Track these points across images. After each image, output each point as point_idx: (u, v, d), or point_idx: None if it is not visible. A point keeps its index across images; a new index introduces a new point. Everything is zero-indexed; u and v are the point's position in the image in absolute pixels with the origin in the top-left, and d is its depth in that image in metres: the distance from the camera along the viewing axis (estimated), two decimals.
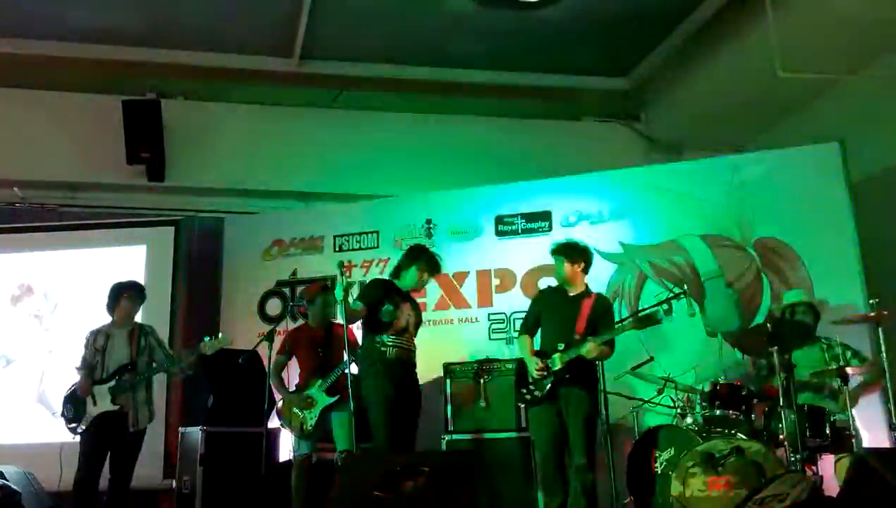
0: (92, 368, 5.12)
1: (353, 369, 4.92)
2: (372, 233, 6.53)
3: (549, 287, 5.11)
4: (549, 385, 4.57)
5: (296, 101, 7.41)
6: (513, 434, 5.09)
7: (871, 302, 4.64)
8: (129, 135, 6.83)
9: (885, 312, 4.42)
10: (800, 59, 5.89)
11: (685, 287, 5.05)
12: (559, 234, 6.02)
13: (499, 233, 6.28)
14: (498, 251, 6.23)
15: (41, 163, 6.94)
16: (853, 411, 4.50)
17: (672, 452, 4.70)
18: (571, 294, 4.78)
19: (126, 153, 6.85)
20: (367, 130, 7.40)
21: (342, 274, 4.64)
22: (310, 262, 6.61)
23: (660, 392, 5.12)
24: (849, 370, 4.41)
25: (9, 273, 6.88)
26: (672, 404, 5.04)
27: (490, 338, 6.00)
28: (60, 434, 5.21)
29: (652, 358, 5.28)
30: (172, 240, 6.90)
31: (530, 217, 6.23)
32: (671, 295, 4.98)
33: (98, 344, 5.18)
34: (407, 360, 4.93)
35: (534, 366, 4.61)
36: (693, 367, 5.40)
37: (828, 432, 4.40)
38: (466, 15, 6.21)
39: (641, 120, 7.80)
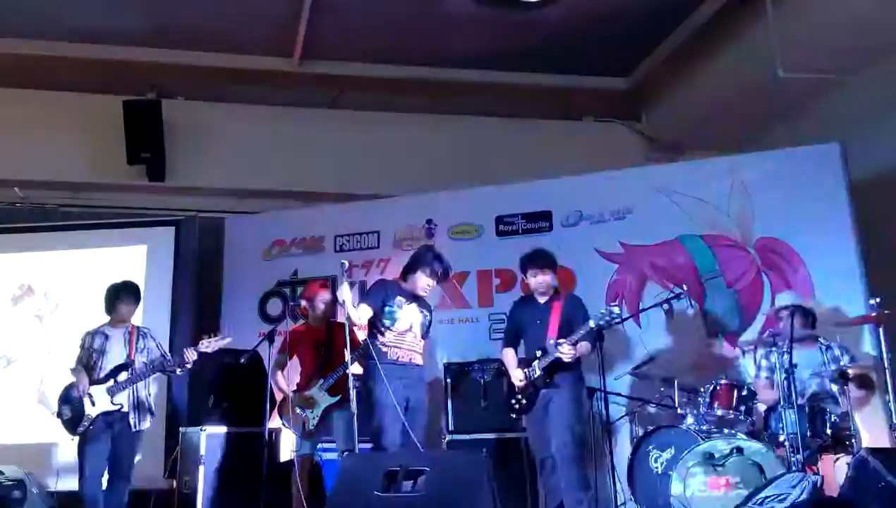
0: (89, 369, 5.11)
1: (355, 369, 4.91)
2: (372, 232, 6.53)
3: (521, 297, 5.21)
4: (532, 393, 4.68)
5: (296, 101, 7.41)
6: (513, 434, 5.09)
7: (871, 302, 4.64)
8: (129, 135, 6.83)
9: (886, 312, 4.42)
10: (800, 59, 5.89)
11: (685, 287, 5.06)
12: (559, 234, 6.04)
13: (499, 233, 6.28)
14: (498, 251, 6.22)
15: (41, 163, 6.94)
16: (853, 411, 4.50)
17: (672, 452, 4.70)
18: (542, 301, 4.88)
19: (126, 153, 6.85)
20: (367, 130, 7.40)
21: (344, 274, 4.59)
22: (310, 262, 6.60)
23: (660, 392, 5.13)
24: (849, 371, 4.42)
25: (9, 273, 6.87)
26: (672, 404, 5.04)
27: (490, 338, 6.00)
28: (60, 434, 5.20)
29: (652, 358, 5.28)
30: (173, 240, 6.89)
31: (530, 217, 6.23)
32: (671, 295, 4.98)
33: (95, 344, 5.18)
34: (409, 362, 4.92)
35: (515, 377, 4.75)
36: (693, 367, 5.39)
37: (828, 432, 4.40)
38: (466, 15, 6.22)
39: (641, 120, 7.81)
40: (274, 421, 5.47)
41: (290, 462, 5.39)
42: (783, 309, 4.90)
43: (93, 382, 5.06)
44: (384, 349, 4.82)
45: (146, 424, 5.16)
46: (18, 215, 7.03)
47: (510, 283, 6.12)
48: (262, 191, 7.38)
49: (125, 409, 5.05)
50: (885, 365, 4.41)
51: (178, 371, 5.27)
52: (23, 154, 6.88)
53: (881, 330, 4.46)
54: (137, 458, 5.17)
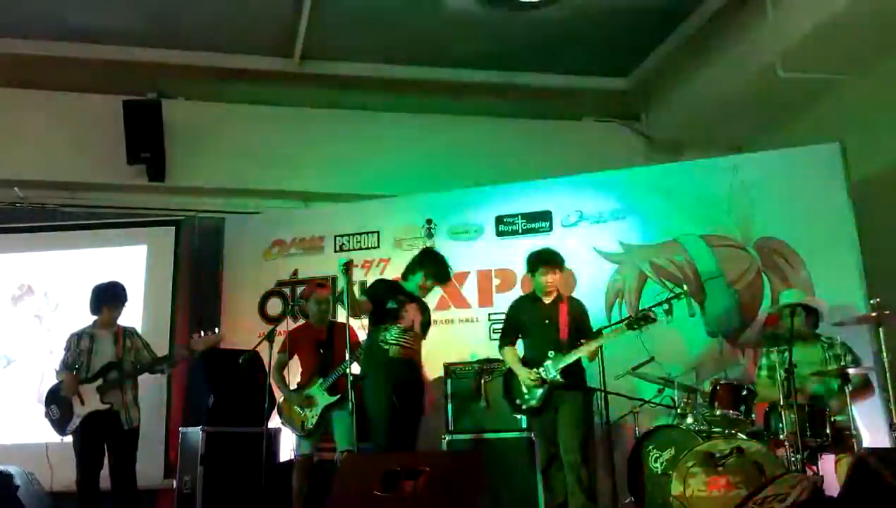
0: (76, 370, 5.10)
1: (355, 368, 4.92)
2: (372, 232, 6.52)
3: (524, 296, 5.20)
4: (545, 392, 4.65)
5: (296, 101, 7.40)
6: (513, 434, 5.09)
7: (871, 302, 4.63)
8: (129, 135, 6.82)
9: (886, 312, 4.42)
10: (800, 59, 5.89)
11: (685, 287, 5.06)
12: (559, 234, 6.03)
13: (499, 233, 6.28)
14: (498, 251, 6.22)
15: (41, 163, 6.94)
16: (853, 411, 4.50)
17: (672, 452, 4.71)
18: (547, 301, 4.87)
19: (126, 153, 6.85)
20: (367, 130, 7.40)
21: (344, 274, 4.56)
22: (310, 262, 6.60)
23: (660, 392, 5.13)
24: (850, 370, 4.42)
25: (9, 273, 6.87)
26: (672, 404, 5.04)
27: (490, 338, 5.98)
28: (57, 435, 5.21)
29: (652, 358, 5.28)
30: (173, 240, 6.89)
31: (530, 217, 6.23)
32: (671, 295, 4.98)
33: (82, 345, 5.17)
34: (409, 360, 4.93)
35: (527, 376, 4.70)
36: (693, 367, 5.40)
37: (828, 432, 4.40)
38: (466, 15, 6.22)
39: (641, 120, 7.80)
40: (274, 421, 5.47)
41: (290, 461, 5.39)
42: (787, 306, 4.90)
43: (81, 381, 5.05)
44: (385, 346, 4.83)
45: (136, 423, 5.15)
46: (18, 215, 7.03)
47: (510, 283, 6.12)
48: (262, 191, 7.38)
49: (115, 408, 5.04)
50: (885, 365, 4.41)
51: (166, 371, 5.26)
52: (23, 154, 6.88)
53: (881, 330, 4.46)
54: (136, 457, 5.16)
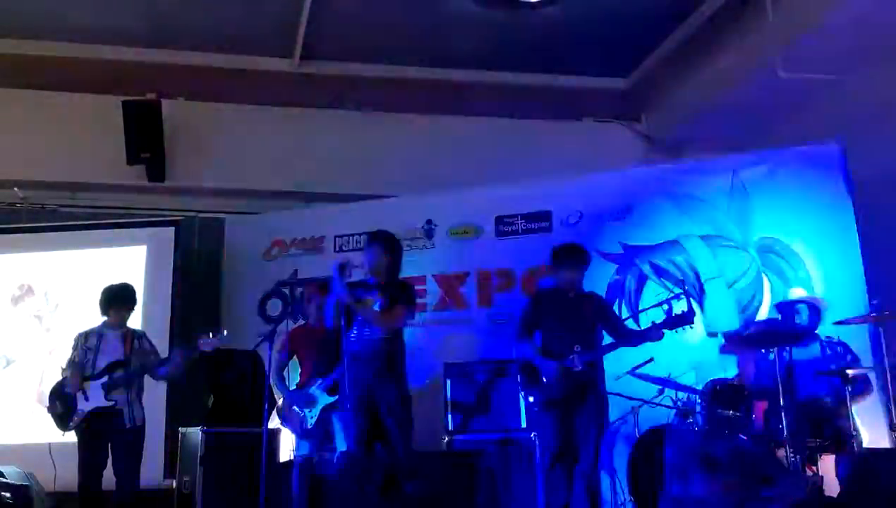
0: (82, 367, 5.10)
1: None
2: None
3: (547, 288, 5.11)
4: (569, 385, 4.56)
5: (296, 101, 7.40)
6: (513, 435, 5.09)
7: (871, 302, 4.63)
8: (129, 135, 6.82)
9: (886, 312, 4.42)
10: (800, 59, 5.89)
11: (685, 287, 5.05)
12: (559, 234, 6.02)
13: (499, 234, 6.28)
14: (498, 251, 6.22)
15: (41, 163, 6.94)
16: (853, 411, 4.50)
17: (672, 452, 4.70)
18: (571, 295, 4.79)
19: (126, 153, 6.84)
20: (367, 130, 7.40)
21: (342, 275, 4.51)
22: (310, 263, 6.60)
23: (660, 392, 5.13)
24: (849, 371, 4.42)
25: (9, 273, 6.86)
26: (672, 404, 5.04)
27: (490, 339, 5.99)
28: (58, 434, 5.20)
29: (652, 359, 5.27)
30: (172, 240, 6.87)
31: (530, 217, 6.23)
32: (671, 295, 4.98)
33: (90, 343, 5.17)
34: (371, 353, 4.57)
35: (553, 369, 4.58)
36: (693, 367, 5.39)
37: (828, 432, 4.40)
38: (466, 15, 6.22)
39: (641, 120, 7.80)
40: (273, 422, 5.47)
41: (290, 462, 5.39)
42: (789, 304, 4.90)
43: (86, 378, 5.05)
44: (347, 349, 4.55)
45: (140, 422, 5.15)
46: (18, 215, 7.03)
47: (510, 284, 6.12)
48: (262, 191, 7.38)
49: (118, 406, 5.05)
50: (885, 365, 4.41)
51: (172, 373, 5.24)
52: (23, 154, 6.87)
53: (881, 330, 4.46)
54: (142, 456, 5.17)
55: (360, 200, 6.90)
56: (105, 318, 5.28)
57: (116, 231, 6.98)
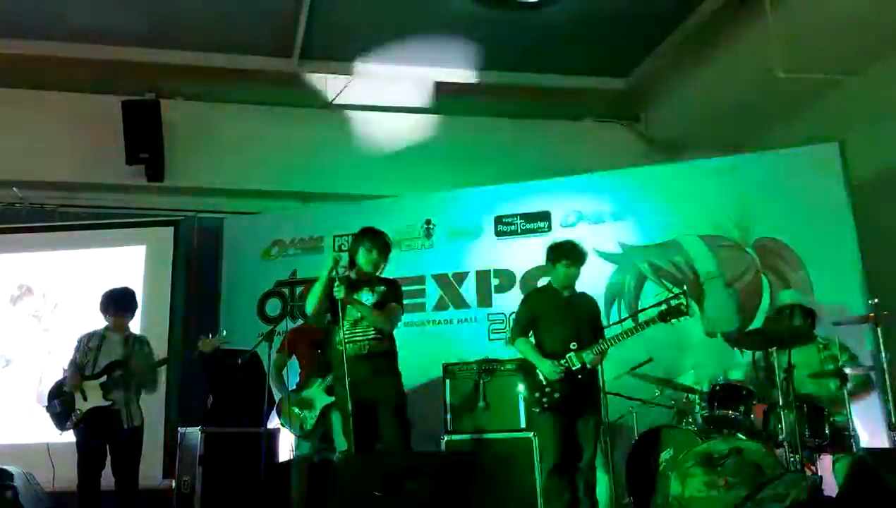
0: (82, 366, 5.11)
1: None
2: None
3: (541, 287, 5.11)
4: (569, 386, 4.54)
5: (296, 101, 7.40)
6: (513, 435, 5.08)
7: (870, 302, 4.63)
8: (128, 135, 6.82)
9: (886, 312, 4.42)
10: (799, 59, 5.89)
11: (684, 287, 5.05)
12: (559, 234, 6.02)
13: (498, 234, 6.28)
14: (497, 251, 6.23)
15: (41, 163, 6.94)
16: (852, 411, 4.50)
17: (672, 452, 4.70)
18: (566, 294, 4.79)
19: (125, 153, 6.85)
20: (366, 130, 7.39)
21: (334, 269, 4.45)
22: (309, 262, 6.58)
23: (660, 392, 5.13)
24: (847, 371, 4.41)
25: (8, 273, 6.87)
26: (672, 404, 5.03)
27: (490, 339, 6.00)
28: (57, 434, 5.20)
29: (651, 359, 5.27)
30: (172, 240, 6.89)
31: (530, 217, 6.23)
32: (670, 295, 4.98)
33: (91, 344, 5.19)
34: (363, 354, 4.49)
35: (552, 369, 4.54)
36: (693, 367, 5.39)
37: (827, 432, 4.40)
38: (466, 15, 6.21)
39: (641, 120, 7.80)
40: (273, 422, 5.47)
41: (289, 462, 5.39)
42: (784, 307, 4.89)
43: (86, 377, 5.06)
44: (340, 348, 4.44)
45: (138, 422, 5.16)
46: (17, 215, 7.03)
47: (509, 284, 6.12)
48: (261, 191, 7.38)
49: (116, 406, 5.05)
50: (884, 365, 4.41)
51: (153, 390, 5.26)
52: (22, 154, 6.88)
53: (879, 330, 4.46)
54: (140, 456, 5.17)
55: (360, 200, 6.90)
56: (106, 322, 5.29)
57: (115, 231, 7.00)
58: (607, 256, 5.95)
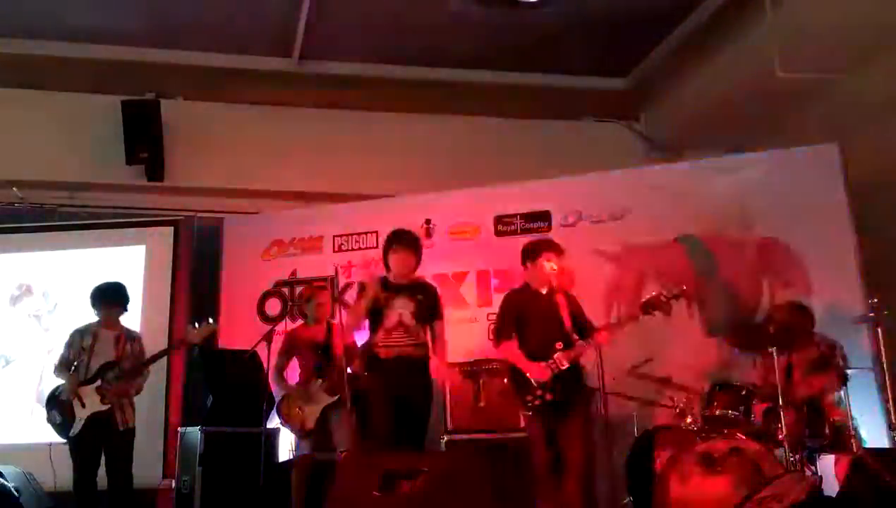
0: (74, 368, 5.09)
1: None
2: (371, 232, 6.51)
3: (518, 288, 5.04)
4: (559, 385, 4.55)
5: (295, 101, 7.40)
6: (511, 434, 5.08)
7: (870, 302, 4.63)
8: (128, 135, 6.82)
9: (885, 312, 4.42)
10: (799, 59, 5.89)
11: (684, 287, 5.04)
12: (558, 234, 6.02)
13: (498, 233, 6.28)
14: (497, 251, 6.22)
15: (41, 163, 6.94)
16: (852, 411, 4.50)
17: (671, 452, 4.69)
18: (543, 291, 4.77)
19: (125, 153, 6.85)
20: (366, 130, 7.39)
21: (336, 277, 4.53)
22: (309, 262, 6.60)
23: (659, 392, 5.13)
24: (847, 371, 4.42)
25: (8, 273, 6.87)
26: (671, 404, 5.03)
27: (489, 338, 5.99)
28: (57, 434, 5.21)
29: (651, 359, 5.27)
30: (172, 240, 6.89)
31: (529, 217, 6.22)
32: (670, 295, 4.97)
33: (84, 343, 5.17)
34: (404, 357, 4.78)
35: (538, 371, 4.56)
36: (692, 367, 5.39)
37: (827, 432, 4.40)
38: (466, 15, 6.21)
39: (640, 120, 7.80)
40: (272, 421, 5.47)
41: (289, 461, 5.39)
42: (783, 307, 4.89)
43: (81, 383, 5.05)
44: (376, 349, 4.76)
45: (131, 423, 5.15)
46: (17, 215, 7.03)
47: (509, 283, 6.11)
48: (261, 191, 7.38)
49: (111, 409, 5.04)
50: (884, 365, 4.41)
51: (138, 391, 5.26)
52: (22, 154, 6.87)
53: (879, 330, 4.46)
54: (132, 456, 5.17)
55: (360, 200, 6.90)
56: (98, 317, 5.28)
57: (115, 231, 7.00)
58: (607, 256, 5.94)
